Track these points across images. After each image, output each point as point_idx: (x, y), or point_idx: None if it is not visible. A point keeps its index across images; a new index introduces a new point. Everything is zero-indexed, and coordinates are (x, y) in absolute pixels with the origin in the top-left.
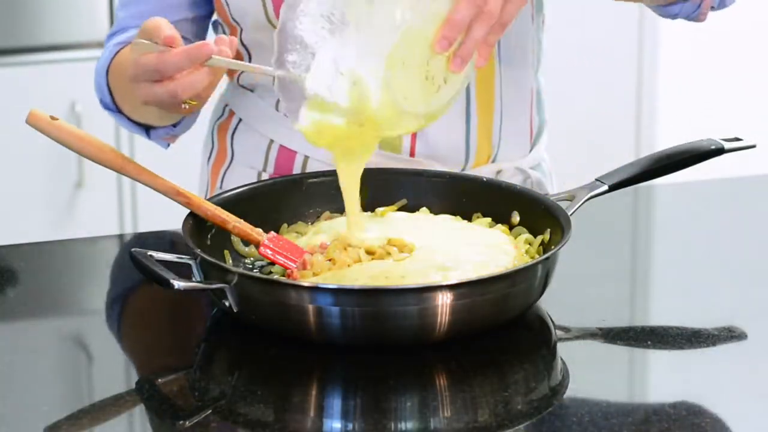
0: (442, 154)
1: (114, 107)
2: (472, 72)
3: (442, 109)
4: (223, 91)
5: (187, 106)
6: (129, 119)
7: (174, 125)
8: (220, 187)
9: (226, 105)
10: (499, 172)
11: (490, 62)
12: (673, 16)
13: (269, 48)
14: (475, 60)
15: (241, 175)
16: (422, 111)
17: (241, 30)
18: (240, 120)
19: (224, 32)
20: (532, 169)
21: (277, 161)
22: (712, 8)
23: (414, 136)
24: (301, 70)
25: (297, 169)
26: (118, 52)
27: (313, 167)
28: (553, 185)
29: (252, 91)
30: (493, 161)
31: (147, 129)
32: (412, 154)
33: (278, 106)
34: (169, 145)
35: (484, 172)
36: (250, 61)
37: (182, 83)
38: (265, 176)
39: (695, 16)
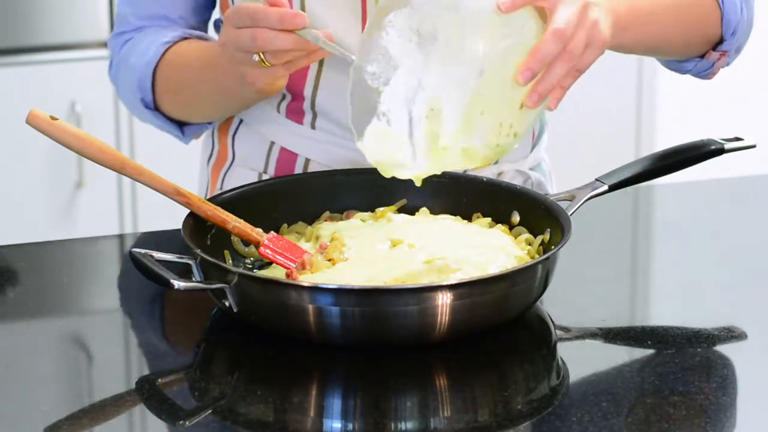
0: None
1: (153, 106)
2: (536, 121)
3: (498, 154)
4: None
5: (258, 60)
6: (165, 117)
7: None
8: (221, 188)
9: None
10: (500, 174)
11: None
12: (685, 72)
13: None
14: (546, 103)
15: (242, 177)
16: (485, 154)
17: None
18: (241, 121)
19: None
20: (532, 170)
21: (278, 163)
22: (724, 66)
23: None
24: (380, 83)
25: (298, 172)
26: (165, 51)
27: (314, 170)
28: (552, 185)
29: None
30: (495, 163)
31: (181, 127)
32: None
33: (279, 108)
34: (191, 140)
35: (485, 173)
36: None
37: (265, 33)
38: (265, 178)
39: (706, 74)
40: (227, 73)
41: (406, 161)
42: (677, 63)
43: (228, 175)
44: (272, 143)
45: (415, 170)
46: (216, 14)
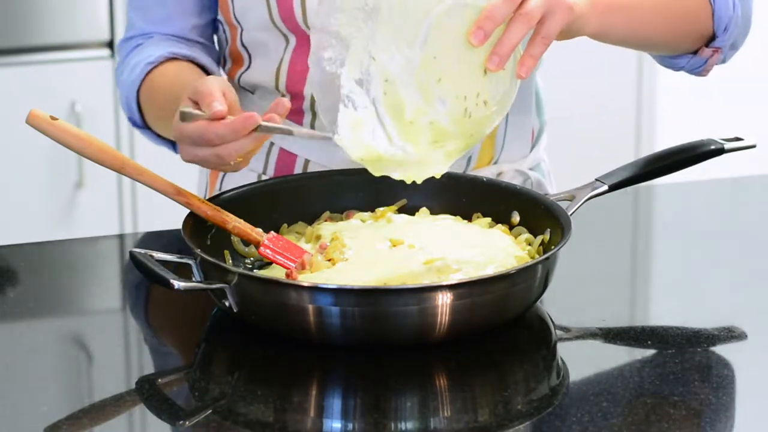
0: None
1: (142, 125)
2: (513, 92)
3: (474, 131)
4: None
5: (234, 163)
6: (157, 135)
7: None
8: (219, 189)
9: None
10: (499, 174)
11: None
12: (678, 68)
13: (270, 48)
14: (515, 72)
15: (241, 179)
16: (457, 129)
17: (242, 30)
18: None
19: (224, 31)
20: (532, 170)
21: (277, 164)
22: (719, 62)
23: None
24: (336, 66)
25: (298, 172)
26: (149, 72)
27: (313, 170)
28: (552, 185)
29: (252, 92)
30: (495, 163)
31: (173, 144)
32: None
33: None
34: None
35: (485, 173)
36: (249, 63)
37: (228, 149)
38: (264, 178)
39: (700, 71)
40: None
41: (384, 146)
42: (670, 59)
43: (227, 176)
44: (271, 144)
45: (403, 167)
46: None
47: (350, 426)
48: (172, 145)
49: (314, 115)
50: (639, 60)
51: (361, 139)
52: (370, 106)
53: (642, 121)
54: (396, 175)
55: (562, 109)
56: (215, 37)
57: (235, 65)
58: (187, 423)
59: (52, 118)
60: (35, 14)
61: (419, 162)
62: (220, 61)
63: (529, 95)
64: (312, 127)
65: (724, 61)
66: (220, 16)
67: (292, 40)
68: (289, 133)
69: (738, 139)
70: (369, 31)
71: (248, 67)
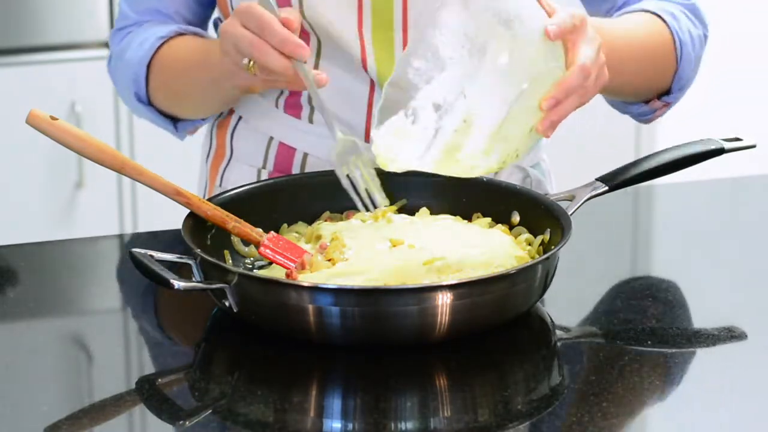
0: None
1: (147, 101)
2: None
3: (491, 171)
4: None
5: (246, 64)
6: (158, 112)
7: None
8: (220, 185)
9: None
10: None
11: None
12: (625, 113)
13: None
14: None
15: (241, 173)
16: (485, 170)
17: None
18: (240, 117)
19: None
20: (532, 168)
21: (276, 158)
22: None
23: None
24: (422, 80)
25: (296, 167)
26: (160, 46)
27: (312, 164)
28: (552, 184)
29: None
30: None
31: (174, 122)
32: None
33: (278, 102)
34: (185, 136)
35: None
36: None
37: (261, 46)
38: (264, 174)
39: (646, 119)
40: (217, 63)
41: (411, 163)
42: (621, 104)
43: (227, 171)
44: (271, 138)
45: (413, 166)
46: (216, 13)
47: (350, 426)
48: (173, 124)
49: (312, 109)
50: None
51: (395, 144)
52: (429, 131)
53: None
54: (399, 170)
55: None
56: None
57: None
58: (187, 423)
59: (52, 118)
60: (35, 14)
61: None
62: None
63: None
64: (310, 121)
65: (666, 113)
66: (218, 13)
67: None
68: (313, 93)
69: (738, 139)
70: (471, 67)
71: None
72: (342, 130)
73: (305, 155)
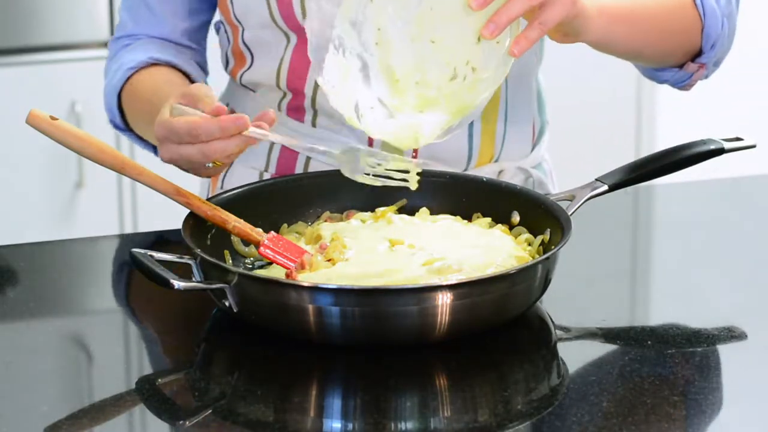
0: (444, 156)
1: (124, 127)
2: (504, 71)
3: (465, 98)
4: (224, 91)
5: (212, 166)
6: (139, 138)
7: None
8: (221, 188)
9: (227, 104)
10: (501, 171)
11: None
12: (662, 81)
13: (272, 46)
14: (507, 50)
15: (243, 176)
16: (442, 95)
17: (243, 29)
18: None
19: (226, 33)
20: (534, 169)
21: (279, 162)
22: (702, 78)
23: None
24: (334, 5)
25: (299, 170)
26: (130, 76)
27: (315, 168)
28: (554, 184)
29: (254, 91)
30: (496, 161)
31: (155, 147)
32: (414, 156)
33: (280, 106)
34: None
35: (486, 171)
36: (252, 61)
37: (213, 147)
38: (266, 176)
39: (683, 85)
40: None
41: (369, 101)
42: (655, 71)
43: (228, 174)
44: (272, 142)
45: (384, 116)
46: (217, 16)
47: (350, 426)
48: (153, 148)
49: (315, 112)
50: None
51: (342, 85)
52: (358, 56)
53: (642, 121)
54: (367, 126)
55: (563, 108)
56: (217, 38)
57: (238, 64)
58: (187, 423)
59: (52, 118)
60: (35, 14)
61: (406, 126)
62: (206, 65)
63: (531, 93)
64: (313, 125)
65: (706, 77)
66: (220, 16)
67: (293, 38)
68: (274, 140)
69: (738, 139)
70: None
71: (250, 65)
72: (332, 146)
73: (308, 159)
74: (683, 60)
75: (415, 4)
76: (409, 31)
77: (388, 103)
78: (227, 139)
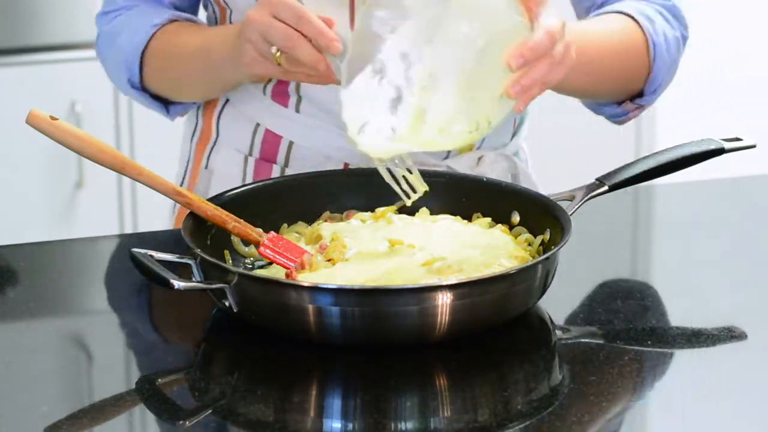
0: None
1: (140, 86)
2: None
3: (465, 143)
4: None
5: (276, 54)
6: (151, 97)
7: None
8: (206, 166)
9: None
10: (480, 158)
11: None
12: (599, 114)
13: None
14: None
15: (228, 157)
16: (459, 140)
17: (231, 12)
18: (227, 101)
19: (214, 11)
20: (514, 156)
21: (263, 145)
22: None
23: None
24: (386, 30)
25: (282, 154)
26: (155, 33)
27: (298, 153)
28: (532, 172)
29: None
30: (478, 148)
31: (166, 106)
32: None
33: (265, 89)
34: (176, 117)
35: (466, 159)
36: None
37: (296, 35)
38: (251, 161)
39: (619, 120)
40: (224, 50)
41: (381, 125)
42: (594, 105)
43: (213, 153)
44: (258, 124)
45: (384, 138)
46: None
47: (350, 426)
48: (165, 108)
49: (299, 98)
50: None
51: (364, 105)
52: (396, 88)
53: (642, 121)
54: (365, 145)
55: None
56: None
57: None
58: (187, 423)
59: (52, 118)
60: (35, 14)
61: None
62: None
63: None
64: (296, 110)
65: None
66: None
67: None
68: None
69: (738, 139)
70: (436, 15)
71: None
72: None
73: (291, 143)
74: (623, 98)
75: (471, 58)
76: (459, 86)
77: (399, 133)
78: (310, 44)
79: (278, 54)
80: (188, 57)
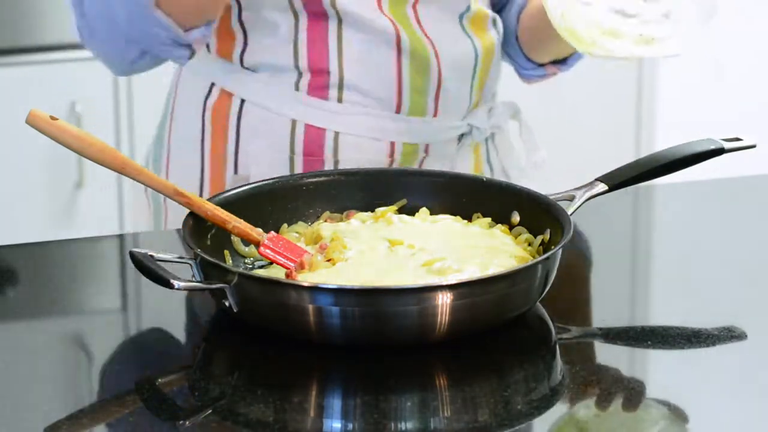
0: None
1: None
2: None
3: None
4: (205, 67)
5: None
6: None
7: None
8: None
9: (213, 83)
10: (491, 109)
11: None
12: (514, 65)
13: (279, 26)
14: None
15: (273, 159)
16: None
17: (240, 9)
18: (243, 101)
19: None
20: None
21: (305, 141)
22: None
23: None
24: None
25: (329, 148)
26: None
27: (346, 143)
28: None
29: (255, 71)
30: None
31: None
32: (435, 115)
33: (299, 86)
34: (189, 58)
35: (480, 113)
36: (245, 41)
37: None
38: (297, 159)
39: (530, 79)
40: None
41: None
42: (524, 60)
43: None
44: (294, 121)
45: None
46: None
47: (350, 426)
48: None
49: (342, 88)
50: (639, 60)
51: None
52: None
53: (642, 121)
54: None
55: (564, 108)
56: None
57: (225, 43)
58: (187, 423)
59: (52, 118)
60: (35, 14)
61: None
62: None
63: (499, 69)
64: (339, 101)
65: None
66: None
67: (303, 18)
68: None
69: (738, 139)
70: None
71: (245, 45)
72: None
73: (336, 134)
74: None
75: None
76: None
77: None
78: None
79: None
80: None
